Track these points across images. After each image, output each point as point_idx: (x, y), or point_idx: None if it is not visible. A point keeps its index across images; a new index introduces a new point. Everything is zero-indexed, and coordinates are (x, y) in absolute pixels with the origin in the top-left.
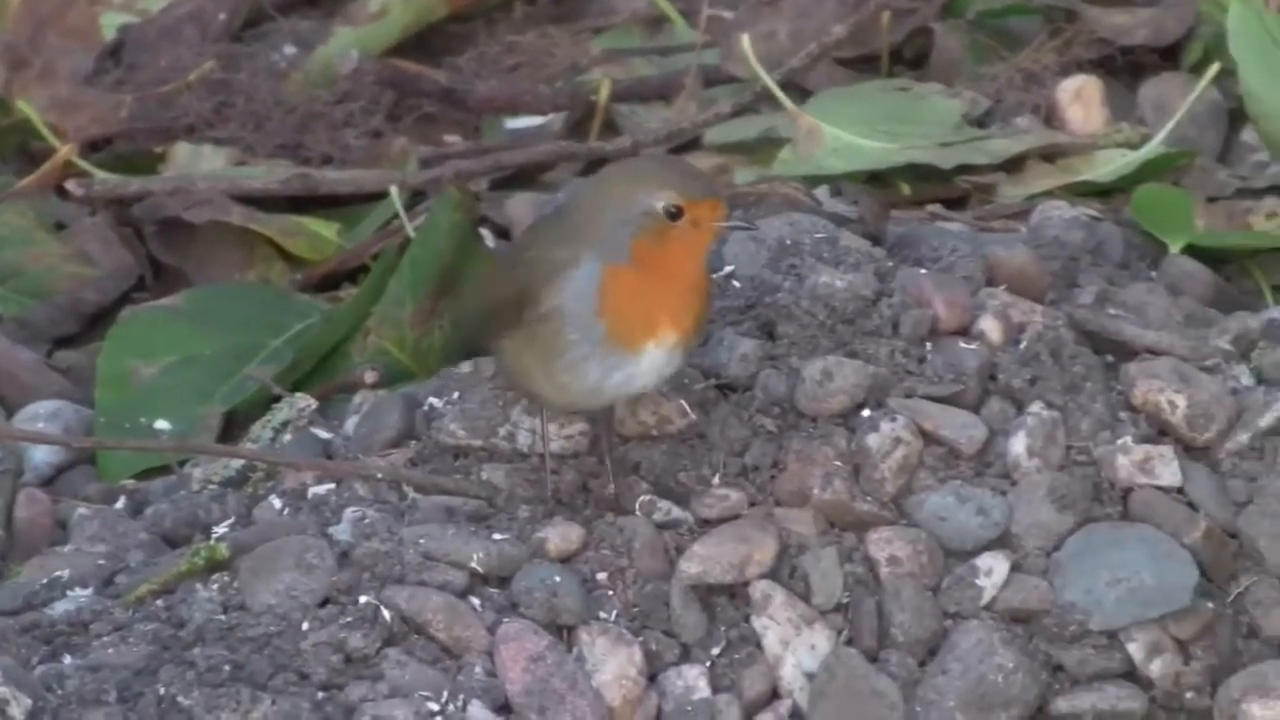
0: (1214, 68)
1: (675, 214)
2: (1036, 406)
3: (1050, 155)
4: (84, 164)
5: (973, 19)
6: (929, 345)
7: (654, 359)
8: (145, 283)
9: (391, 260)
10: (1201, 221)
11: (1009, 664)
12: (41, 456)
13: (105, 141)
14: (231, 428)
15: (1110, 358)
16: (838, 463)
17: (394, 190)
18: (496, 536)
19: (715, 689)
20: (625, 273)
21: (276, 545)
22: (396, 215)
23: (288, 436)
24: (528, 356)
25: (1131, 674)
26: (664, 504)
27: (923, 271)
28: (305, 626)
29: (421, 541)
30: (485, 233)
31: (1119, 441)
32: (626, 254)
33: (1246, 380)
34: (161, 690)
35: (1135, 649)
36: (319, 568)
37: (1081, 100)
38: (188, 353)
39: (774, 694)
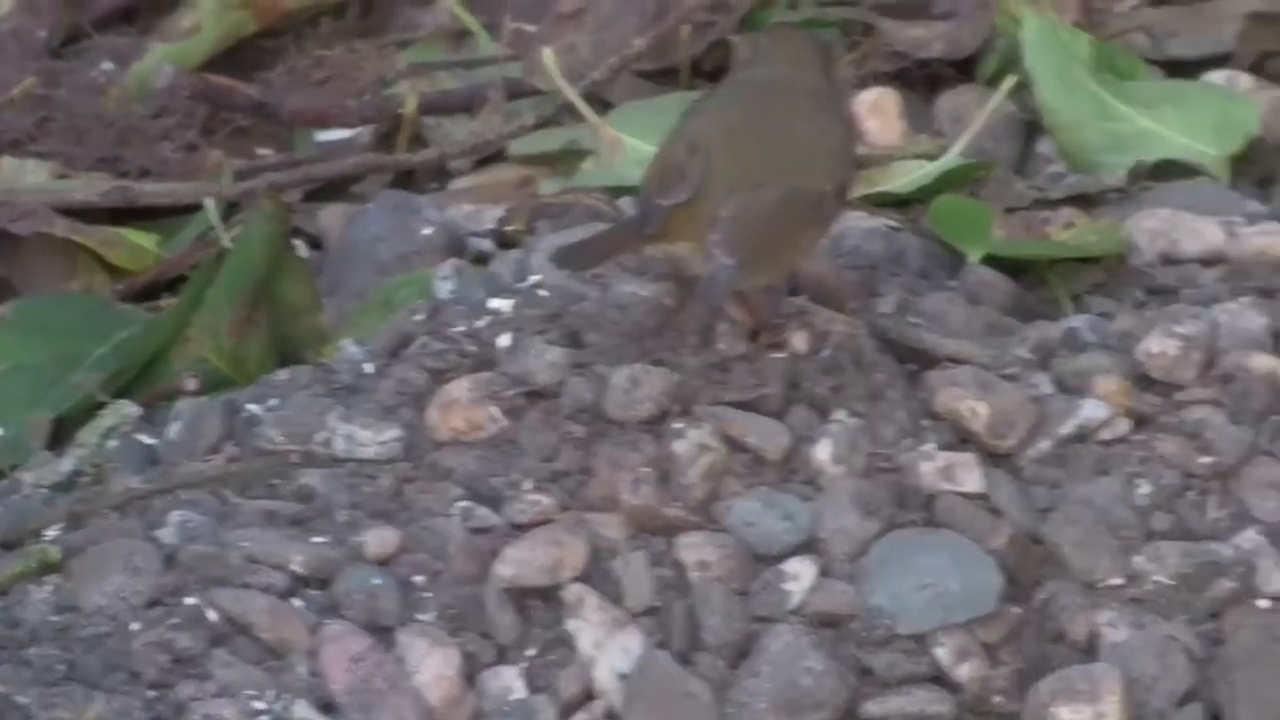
0: (1010, 80)
1: None
2: (840, 414)
3: None
4: None
5: None
6: (734, 353)
7: None
8: None
9: (209, 271)
10: (1000, 232)
11: (818, 667)
12: None
13: None
14: (60, 434)
15: (912, 366)
16: (646, 469)
17: (209, 203)
18: (316, 539)
19: (532, 689)
20: None
21: (105, 548)
22: (213, 227)
23: (114, 442)
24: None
25: (940, 678)
26: (478, 509)
27: None
28: (135, 627)
29: (244, 544)
30: (298, 243)
31: (922, 449)
32: None
33: (1047, 388)
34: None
35: (943, 653)
36: (146, 570)
37: (879, 112)
38: (15, 361)
39: (589, 695)
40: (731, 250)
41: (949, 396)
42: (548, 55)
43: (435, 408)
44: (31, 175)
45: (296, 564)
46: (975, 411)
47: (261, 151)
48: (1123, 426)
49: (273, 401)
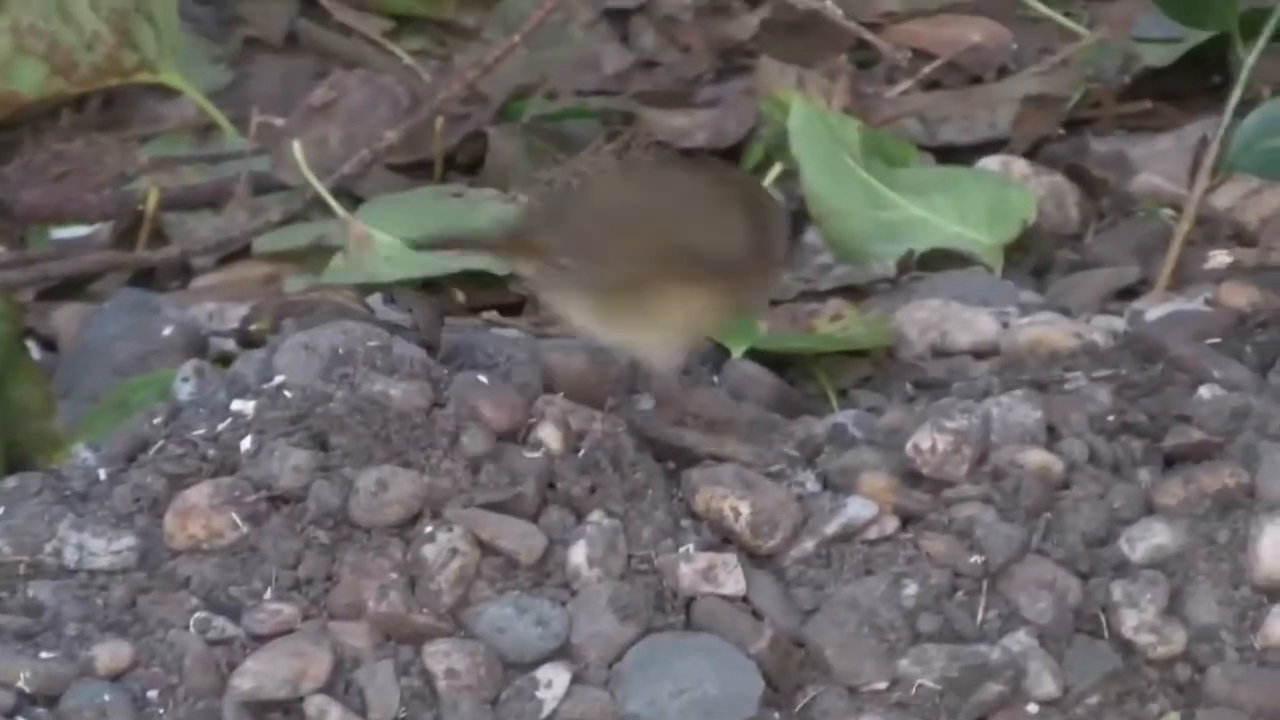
0: (776, 169)
1: None
2: (597, 515)
3: None
4: None
5: (528, 123)
6: (487, 454)
7: None
8: None
9: None
10: (764, 325)
11: None
12: None
13: None
14: None
15: (672, 465)
16: (394, 574)
17: None
18: (44, 654)
19: None
20: None
21: None
22: None
23: None
24: None
25: None
26: (216, 619)
27: (479, 379)
28: None
29: None
30: (30, 344)
31: (681, 550)
32: None
33: (812, 486)
34: None
35: None
36: None
37: None
38: None
39: None
40: (579, 255)
41: (710, 495)
42: (296, 148)
43: (173, 515)
44: None
45: (23, 681)
46: (737, 510)
47: None
48: (890, 525)
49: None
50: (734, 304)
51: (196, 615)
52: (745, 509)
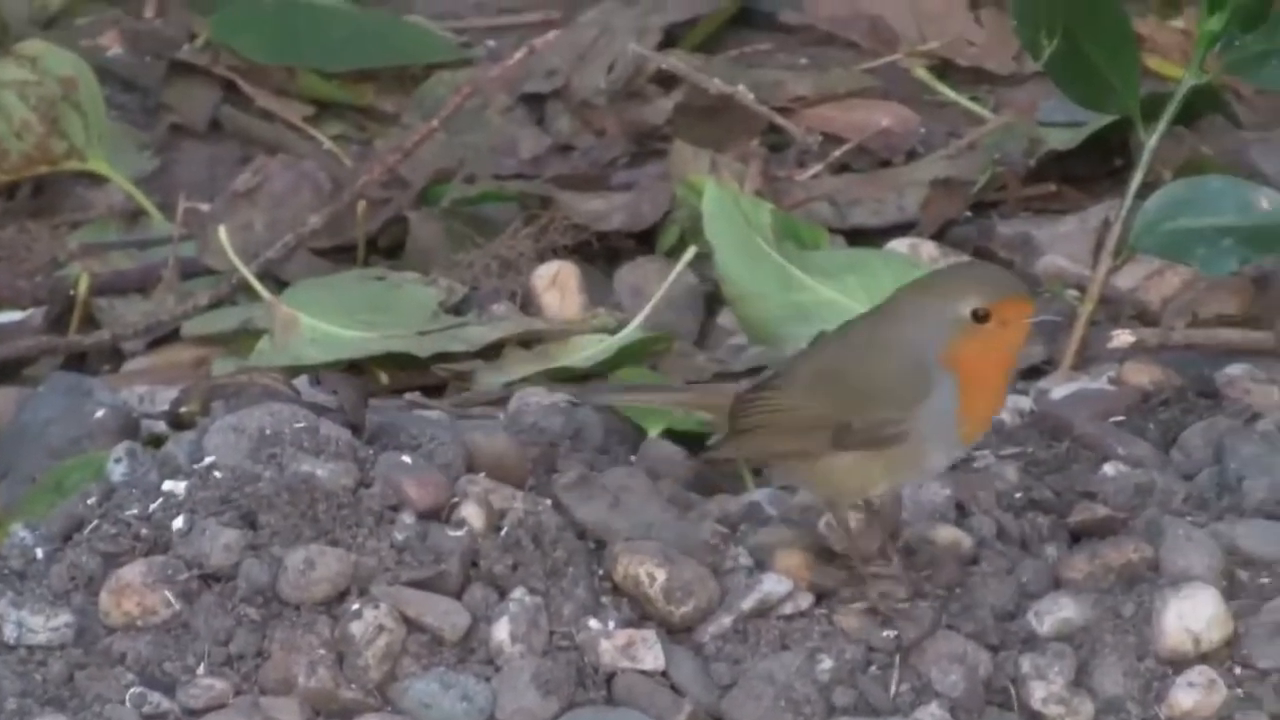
0: (690, 251)
1: (983, 317)
2: (519, 592)
3: (528, 342)
4: None
5: (448, 207)
6: (411, 533)
7: (966, 450)
8: None
9: None
10: None
11: None
12: None
13: None
14: None
15: (593, 542)
16: (322, 651)
17: None
18: None
19: None
20: (963, 379)
21: None
22: None
23: None
24: (875, 469)
25: None
26: (152, 695)
27: (403, 459)
28: None
29: None
30: None
31: (602, 626)
32: (946, 362)
33: (729, 563)
34: None
35: None
36: None
37: (558, 286)
38: None
39: None
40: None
41: (629, 571)
42: (221, 234)
43: (108, 592)
44: None
45: None
46: (653, 576)
47: None
48: (805, 601)
49: None
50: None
51: (132, 690)
52: (661, 575)
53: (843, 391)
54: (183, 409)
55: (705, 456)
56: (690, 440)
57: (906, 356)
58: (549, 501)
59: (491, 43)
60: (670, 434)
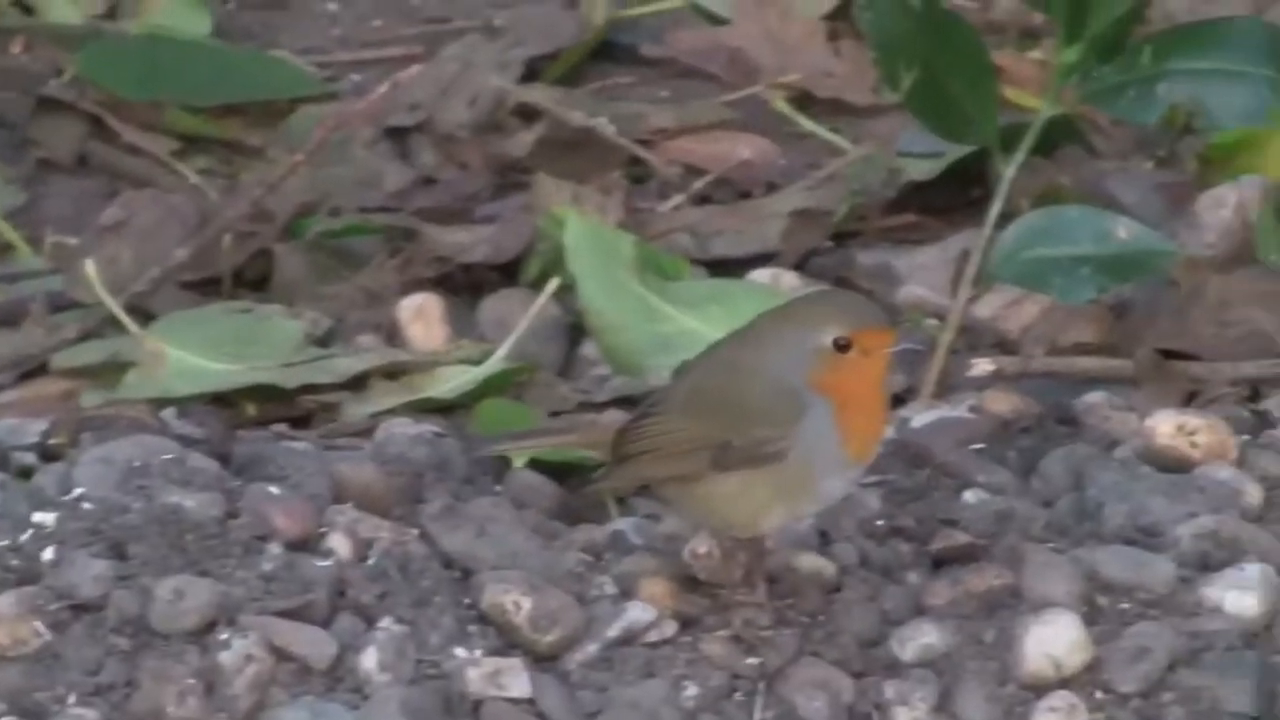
0: (553, 283)
1: (845, 346)
2: (386, 621)
3: (393, 373)
4: None
5: (313, 240)
6: (279, 563)
7: (860, 472)
8: None
9: None
10: None
11: None
12: None
13: None
14: None
15: (459, 572)
16: (192, 680)
17: None
18: None
19: None
20: (837, 402)
21: None
22: None
23: None
24: (761, 492)
25: None
26: None
27: (270, 490)
28: None
29: None
30: None
31: (468, 654)
32: (816, 387)
33: (595, 591)
34: None
35: None
36: None
37: (422, 318)
38: None
39: None
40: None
41: (495, 600)
42: (89, 267)
43: None
44: None
45: None
46: (519, 604)
47: None
48: (670, 628)
49: None
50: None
51: None
52: (527, 604)
53: (720, 411)
54: (51, 441)
55: (589, 489)
56: (555, 470)
57: (774, 380)
58: (415, 531)
59: (356, 77)
60: (535, 464)
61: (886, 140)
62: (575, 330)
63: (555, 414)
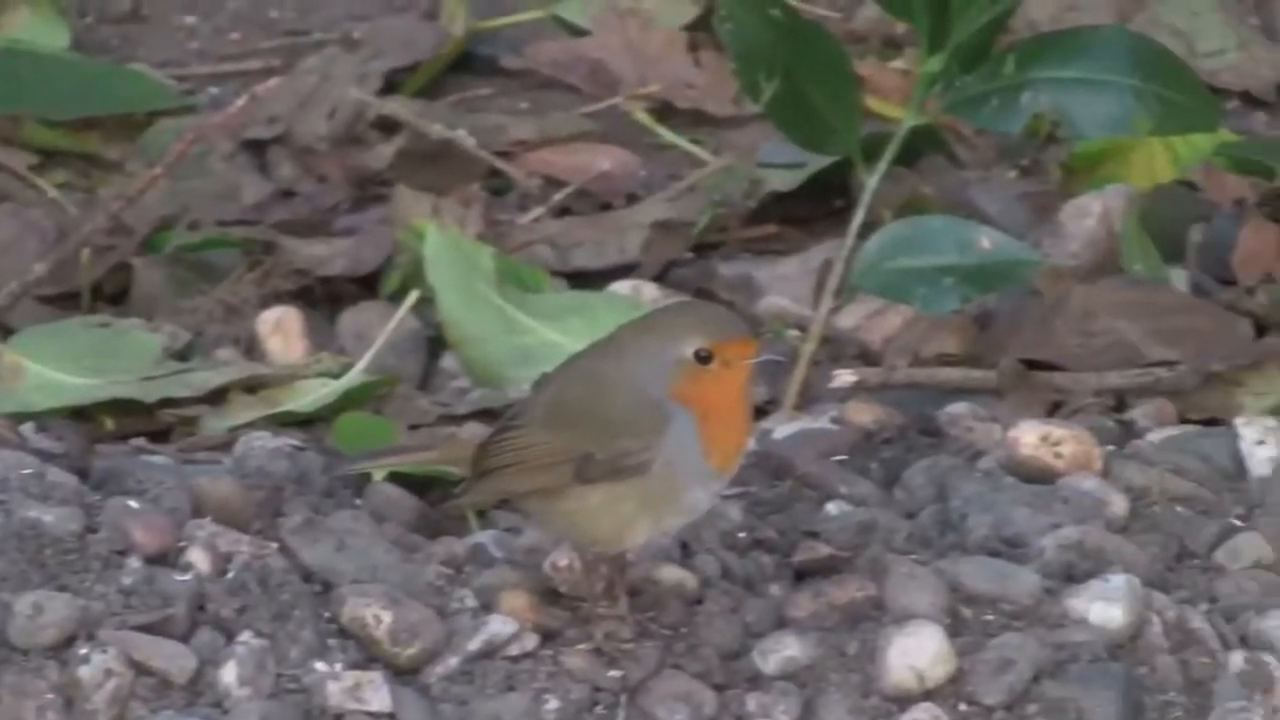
0: (413, 296)
1: (706, 358)
2: (246, 635)
3: (252, 387)
4: None
5: (172, 253)
6: (138, 577)
7: (723, 484)
8: None
9: None
10: None
11: None
12: None
13: None
14: None
15: (319, 585)
16: (51, 695)
17: None
18: None
19: None
20: (699, 413)
21: None
22: None
23: None
24: (626, 506)
25: None
26: None
27: (130, 504)
28: None
29: None
30: None
31: (329, 668)
32: (676, 398)
33: (455, 604)
34: None
35: None
36: None
37: (281, 331)
38: None
39: None
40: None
41: (355, 613)
42: None
43: None
44: None
45: None
46: (381, 627)
47: None
48: (531, 642)
49: None
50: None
51: None
52: (387, 617)
53: (581, 424)
54: None
55: (449, 504)
56: (415, 483)
57: (636, 391)
58: (275, 545)
59: (214, 90)
60: (395, 477)
61: (748, 151)
62: (435, 343)
63: (415, 427)
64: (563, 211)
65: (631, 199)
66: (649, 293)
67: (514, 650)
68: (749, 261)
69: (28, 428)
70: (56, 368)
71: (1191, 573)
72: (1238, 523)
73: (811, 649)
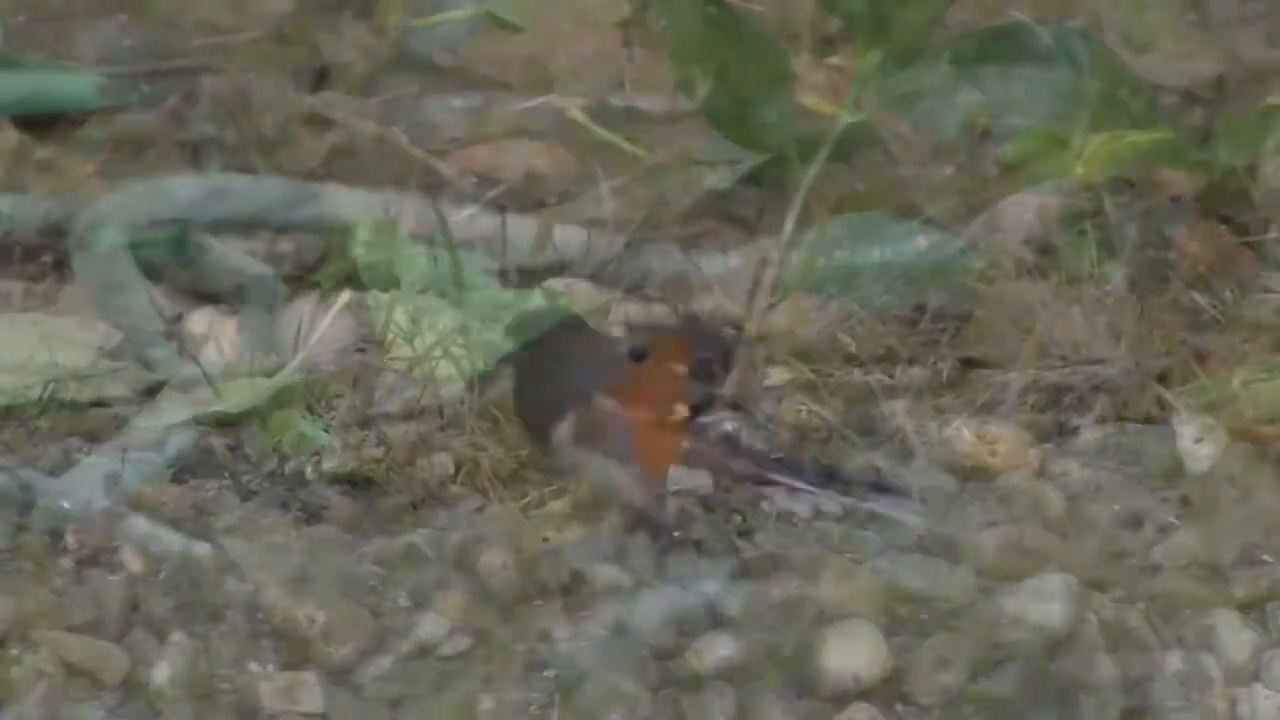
0: (345, 294)
1: (641, 356)
2: (179, 636)
3: (185, 386)
4: None
5: (105, 251)
6: (70, 578)
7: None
8: None
9: None
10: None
11: None
12: None
13: None
14: None
15: (252, 585)
16: None
17: None
18: None
19: None
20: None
21: None
22: None
23: None
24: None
25: None
26: None
27: (62, 505)
28: None
29: None
30: None
31: (261, 668)
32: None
33: (389, 604)
34: None
35: None
36: None
37: (214, 330)
38: None
39: None
40: None
41: (288, 612)
42: None
43: None
44: None
45: None
46: (312, 619)
47: None
48: (464, 641)
49: None
50: None
51: None
52: (321, 617)
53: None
54: None
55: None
56: (351, 483)
57: (570, 389)
58: (208, 545)
59: (147, 88)
60: (329, 476)
61: (683, 148)
62: (368, 341)
63: (347, 425)
64: (497, 209)
65: (566, 197)
66: (583, 291)
67: (447, 650)
68: (685, 259)
69: None
70: None
71: (1129, 572)
72: (1175, 521)
73: (747, 648)
